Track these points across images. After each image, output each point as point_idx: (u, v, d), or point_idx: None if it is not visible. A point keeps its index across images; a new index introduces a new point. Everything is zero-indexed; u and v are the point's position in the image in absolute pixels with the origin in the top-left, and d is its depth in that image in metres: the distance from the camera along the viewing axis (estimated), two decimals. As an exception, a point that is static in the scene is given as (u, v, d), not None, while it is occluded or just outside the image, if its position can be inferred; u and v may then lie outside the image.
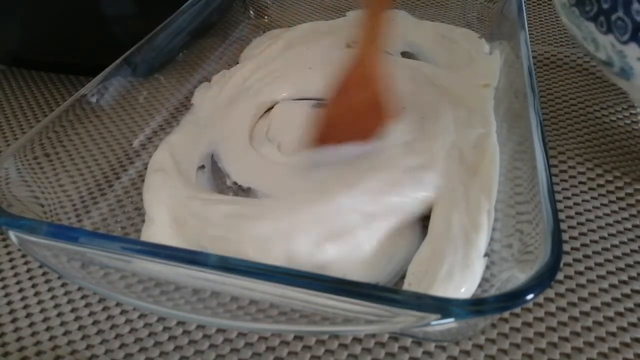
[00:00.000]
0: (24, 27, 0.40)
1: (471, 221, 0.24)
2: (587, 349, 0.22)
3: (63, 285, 0.26)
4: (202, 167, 0.31)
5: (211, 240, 0.25)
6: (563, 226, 0.27)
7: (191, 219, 0.27)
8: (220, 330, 0.24)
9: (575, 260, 0.26)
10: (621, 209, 0.28)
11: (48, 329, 0.24)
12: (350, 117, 0.29)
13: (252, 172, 0.30)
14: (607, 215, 0.28)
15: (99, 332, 0.24)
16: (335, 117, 0.29)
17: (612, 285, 0.24)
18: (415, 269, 0.23)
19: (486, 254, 0.23)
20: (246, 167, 0.31)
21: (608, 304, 0.24)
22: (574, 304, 0.24)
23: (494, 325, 0.23)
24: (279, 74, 0.37)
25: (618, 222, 0.27)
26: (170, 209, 0.27)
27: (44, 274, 0.27)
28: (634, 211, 0.28)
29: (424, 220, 0.26)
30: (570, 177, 0.30)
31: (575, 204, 0.29)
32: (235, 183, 0.30)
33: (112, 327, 0.24)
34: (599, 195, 0.29)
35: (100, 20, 0.37)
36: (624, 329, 0.23)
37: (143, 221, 0.28)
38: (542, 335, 0.23)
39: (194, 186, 0.29)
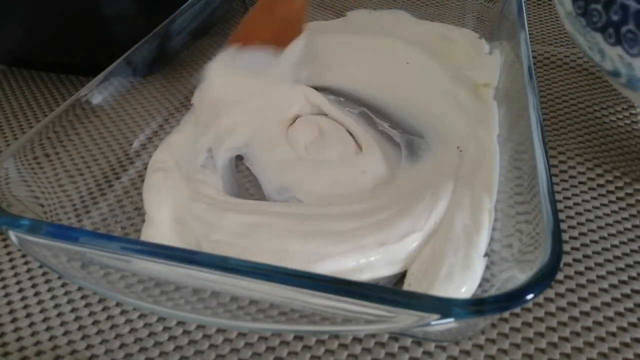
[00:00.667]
0: (24, 27, 0.40)
1: (473, 221, 0.24)
2: (587, 349, 0.22)
3: (63, 285, 0.26)
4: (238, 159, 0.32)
5: (214, 245, 0.25)
6: (563, 226, 0.27)
7: (193, 221, 0.26)
8: (220, 330, 0.24)
9: (575, 260, 0.26)
10: (621, 209, 0.28)
11: (48, 329, 0.24)
12: (269, 25, 0.36)
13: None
14: (607, 215, 0.28)
15: (99, 332, 0.24)
16: (257, 22, 0.37)
17: (612, 285, 0.24)
18: (415, 269, 0.23)
19: (486, 254, 0.23)
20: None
21: (608, 304, 0.24)
22: (574, 304, 0.24)
23: (494, 325, 0.23)
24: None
25: (618, 222, 0.27)
26: (171, 210, 0.27)
27: (44, 274, 0.27)
28: (634, 211, 0.28)
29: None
30: (570, 177, 0.30)
31: (575, 204, 0.29)
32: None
33: (112, 327, 0.24)
34: (599, 195, 0.29)
35: (100, 20, 0.37)
36: (624, 329, 0.23)
37: (143, 221, 0.28)
38: (542, 335, 0.23)
39: (197, 187, 0.29)
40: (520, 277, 0.18)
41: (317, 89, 0.35)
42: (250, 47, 0.35)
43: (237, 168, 0.31)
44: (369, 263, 0.23)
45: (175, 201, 0.28)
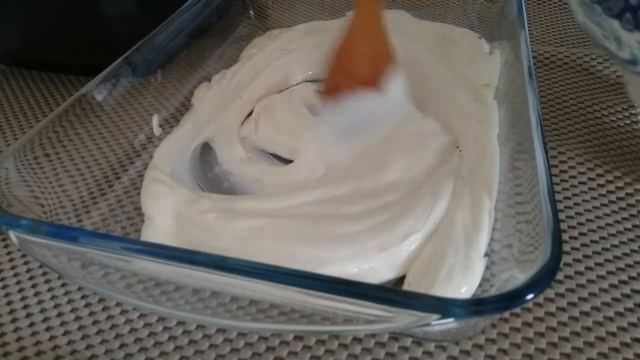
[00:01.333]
0: (24, 27, 0.40)
1: (473, 221, 0.24)
2: (587, 349, 0.22)
3: (63, 285, 0.26)
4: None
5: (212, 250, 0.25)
6: (563, 226, 0.27)
7: (191, 226, 0.27)
8: (220, 330, 0.24)
9: (575, 260, 0.26)
10: (621, 209, 0.28)
11: (48, 329, 0.24)
12: (357, 67, 0.32)
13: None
14: (607, 215, 0.28)
15: (99, 332, 0.24)
16: (344, 68, 0.32)
17: (612, 286, 0.24)
18: (415, 269, 0.23)
19: (486, 254, 0.23)
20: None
21: (608, 304, 0.24)
22: (574, 304, 0.24)
23: (494, 325, 0.23)
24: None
25: (618, 222, 0.27)
26: (171, 210, 0.27)
27: (44, 274, 0.27)
28: (634, 211, 0.28)
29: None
30: (570, 177, 0.30)
31: (575, 204, 0.29)
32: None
33: (112, 327, 0.24)
34: (599, 195, 0.29)
35: (100, 20, 0.37)
36: (624, 329, 0.23)
37: (143, 221, 0.28)
38: (542, 335, 0.23)
39: (196, 191, 0.29)
40: (520, 277, 0.18)
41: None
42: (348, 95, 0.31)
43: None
44: (372, 268, 0.23)
45: (175, 202, 0.28)
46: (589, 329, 0.23)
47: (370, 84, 0.31)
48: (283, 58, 0.39)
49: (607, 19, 0.23)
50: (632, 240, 0.26)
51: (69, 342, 0.24)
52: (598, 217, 0.28)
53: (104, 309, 0.25)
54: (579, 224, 0.27)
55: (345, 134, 0.31)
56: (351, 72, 0.32)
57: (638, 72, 0.24)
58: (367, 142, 0.30)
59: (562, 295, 0.24)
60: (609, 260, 0.26)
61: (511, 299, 0.17)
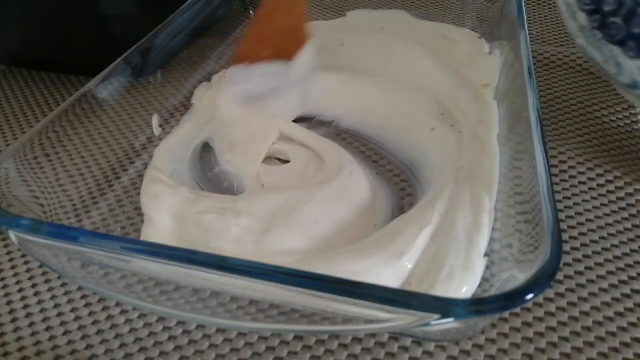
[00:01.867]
0: (24, 27, 0.40)
1: (474, 221, 0.24)
2: (587, 349, 0.22)
3: (63, 285, 0.26)
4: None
5: (212, 250, 0.25)
6: (563, 226, 0.27)
7: (191, 226, 0.27)
8: (220, 330, 0.24)
9: (575, 260, 0.26)
10: (621, 209, 0.28)
11: (48, 329, 0.24)
12: (273, 37, 0.34)
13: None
14: (607, 215, 0.28)
15: (99, 332, 0.24)
16: (260, 36, 0.34)
17: (612, 286, 0.24)
18: (416, 269, 0.23)
19: (486, 254, 0.23)
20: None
21: (608, 304, 0.24)
22: (574, 304, 0.24)
23: (494, 325, 0.23)
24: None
25: (618, 222, 0.27)
26: (170, 210, 0.27)
27: (44, 274, 0.27)
28: (634, 211, 0.28)
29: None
30: (570, 177, 0.30)
31: (575, 204, 0.29)
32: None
33: (112, 327, 0.24)
34: (599, 195, 0.29)
35: (100, 20, 0.37)
36: (624, 329, 0.23)
37: (143, 221, 0.28)
38: (542, 335, 0.23)
39: (196, 191, 0.29)
40: (520, 277, 0.18)
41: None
42: (257, 64, 0.33)
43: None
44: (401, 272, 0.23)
45: (175, 202, 0.28)
46: (589, 329, 0.23)
47: (281, 56, 0.33)
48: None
49: (607, 45, 0.23)
50: (632, 240, 0.26)
51: (69, 342, 0.24)
52: (598, 217, 0.28)
53: (104, 309, 0.25)
54: (579, 224, 0.27)
55: (250, 100, 0.33)
56: (263, 40, 0.34)
57: (638, 95, 0.24)
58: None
59: (562, 295, 0.24)
60: (609, 261, 0.26)
61: (511, 299, 0.17)
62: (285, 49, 0.33)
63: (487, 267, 0.23)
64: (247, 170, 0.31)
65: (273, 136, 0.32)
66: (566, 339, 0.23)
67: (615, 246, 0.26)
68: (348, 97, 0.35)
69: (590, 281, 0.25)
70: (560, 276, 0.25)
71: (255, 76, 0.33)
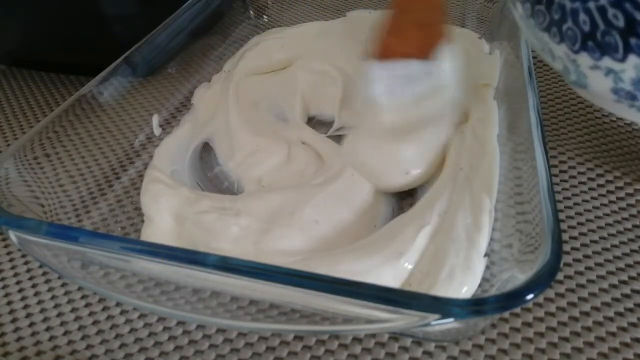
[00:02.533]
0: (24, 27, 0.40)
1: (474, 221, 0.24)
2: (587, 349, 0.22)
3: (63, 285, 0.26)
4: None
5: (212, 250, 0.25)
6: (563, 226, 0.27)
7: (191, 226, 0.27)
8: (220, 330, 0.24)
9: (575, 260, 0.26)
10: (621, 209, 0.28)
11: (48, 329, 0.24)
12: (413, 32, 0.30)
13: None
14: (607, 215, 0.28)
15: (99, 332, 0.24)
16: (401, 30, 0.30)
17: (612, 286, 0.24)
18: (416, 269, 0.23)
19: (486, 254, 0.23)
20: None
21: (608, 304, 0.24)
22: (574, 304, 0.24)
23: (494, 325, 0.23)
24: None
25: (618, 222, 0.27)
26: (170, 210, 0.27)
27: (44, 274, 0.27)
28: (634, 211, 0.28)
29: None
30: (570, 177, 0.30)
31: (575, 204, 0.29)
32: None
33: (112, 327, 0.24)
34: (599, 195, 0.29)
35: (100, 20, 0.37)
36: (624, 329, 0.23)
37: (143, 221, 0.28)
38: (542, 335, 0.23)
39: (196, 191, 0.29)
40: (520, 277, 0.18)
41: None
42: (396, 61, 0.30)
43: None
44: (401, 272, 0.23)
45: (174, 202, 0.28)
46: (589, 329, 0.23)
47: (421, 54, 0.30)
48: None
49: (539, 33, 0.24)
50: (632, 240, 0.26)
51: (69, 342, 0.24)
52: (598, 217, 0.28)
53: (104, 309, 0.25)
54: (579, 224, 0.27)
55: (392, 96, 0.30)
56: (405, 35, 0.30)
57: (572, 82, 0.24)
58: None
59: (562, 295, 0.24)
60: (609, 261, 0.26)
61: (511, 299, 0.17)
62: (422, 45, 0.30)
63: (487, 267, 0.23)
64: (248, 173, 0.31)
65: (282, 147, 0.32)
66: (566, 339, 0.23)
67: (615, 246, 0.26)
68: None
69: (590, 281, 0.25)
70: (560, 276, 0.25)
71: (399, 77, 0.30)
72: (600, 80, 0.22)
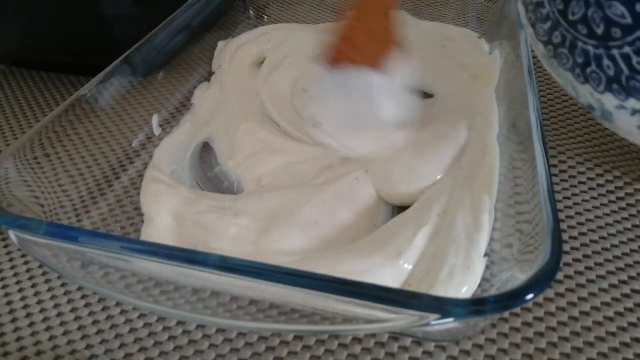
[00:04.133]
0: (24, 27, 0.40)
1: (474, 221, 0.24)
2: (587, 349, 0.22)
3: (63, 285, 0.26)
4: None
5: (212, 250, 0.25)
6: (563, 226, 0.27)
7: (191, 226, 0.27)
8: (220, 330, 0.24)
9: (575, 260, 0.26)
10: (621, 209, 0.28)
11: (48, 329, 0.24)
12: (364, 41, 0.30)
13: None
14: (607, 215, 0.28)
15: (99, 332, 0.24)
16: (354, 38, 0.30)
17: (612, 286, 0.24)
18: (416, 269, 0.23)
19: (486, 254, 0.23)
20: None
21: (608, 304, 0.24)
22: (573, 304, 0.24)
23: (494, 325, 0.23)
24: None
25: (618, 222, 0.27)
26: (170, 210, 0.27)
27: (44, 274, 0.27)
28: (634, 211, 0.28)
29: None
30: (570, 177, 0.30)
31: (575, 204, 0.29)
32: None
33: (112, 327, 0.24)
34: (599, 195, 0.29)
35: (100, 20, 0.37)
36: (624, 329, 0.23)
37: (143, 221, 0.28)
38: (542, 335, 0.23)
39: (196, 191, 0.29)
40: (520, 277, 0.18)
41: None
42: (344, 68, 0.30)
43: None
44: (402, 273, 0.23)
45: (174, 202, 0.28)
46: (589, 329, 0.23)
47: (374, 63, 0.30)
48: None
49: (563, 72, 0.24)
50: (632, 240, 0.26)
51: (69, 342, 0.24)
52: (598, 217, 0.28)
53: (104, 309, 0.25)
54: (579, 224, 0.27)
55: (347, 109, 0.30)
56: (357, 44, 0.30)
57: (598, 117, 0.25)
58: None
59: (562, 295, 0.24)
60: (609, 261, 0.26)
61: (511, 299, 0.17)
62: (373, 54, 0.30)
63: (487, 267, 0.23)
64: (248, 174, 0.30)
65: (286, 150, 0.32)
66: (566, 339, 0.23)
67: (615, 246, 0.26)
68: None
69: (590, 281, 0.25)
70: (560, 276, 0.25)
71: (349, 85, 0.30)
72: (626, 119, 0.22)
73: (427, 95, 0.35)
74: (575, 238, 0.27)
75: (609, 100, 0.22)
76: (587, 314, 0.23)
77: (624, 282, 0.25)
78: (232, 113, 0.34)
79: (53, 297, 0.26)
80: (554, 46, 0.23)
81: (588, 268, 0.25)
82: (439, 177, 0.28)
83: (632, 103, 0.21)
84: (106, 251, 0.20)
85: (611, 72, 0.21)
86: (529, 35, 0.26)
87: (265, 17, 0.47)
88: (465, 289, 0.22)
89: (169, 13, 0.37)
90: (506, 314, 0.23)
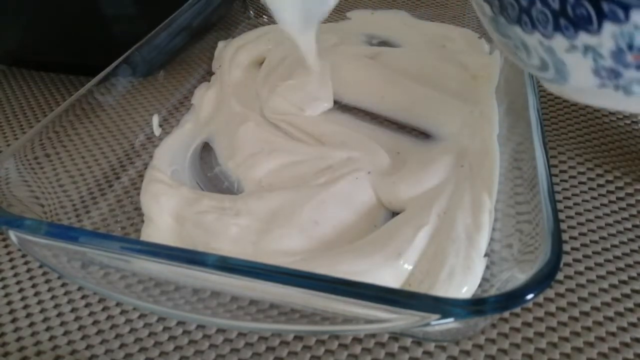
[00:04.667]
0: (24, 27, 0.40)
1: (474, 221, 0.24)
2: (587, 349, 0.22)
3: (63, 285, 0.26)
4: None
5: (212, 250, 0.25)
6: (563, 226, 0.27)
7: (191, 226, 0.26)
8: (220, 330, 0.24)
9: (575, 260, 0.26)
10: (621, 209, 0.28)
11: (48, 329, 0.24)
12: None
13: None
14: (607, 215, 0.28)
15: (99, 332, 0.24)
16: None
17: (612, 285, 0.24)
18: (416, 270, 0.23)
19: (486, 254, 0.23)
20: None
21: (608, 304, 0.24)
22: (573, 304, 0.24)
23: (494, 325, 0.23)
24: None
25: (618, 222, 0.27)
26: (170, 210, 0.27)
27: (44, 274, 0.27)
28: (634, 211, 0.28)
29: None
30: (570, 177, 0.30)
31: (575, 204, 0.29)
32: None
33: (112, 327, 0.24)
34: (599, 195, 0.29)
35: (100, 20, 0.37)
36: (624, 329, 0.23)
37: (143, 221, 0.28)
38: (542, 335, 0.23)
39: (196, 191, 0.29)
40: (520, 277, 0.18)
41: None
42: None
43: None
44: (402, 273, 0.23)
45: (175, 202, 0.28)
46: (589, 329, 0.23)
47: None
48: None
49: (511, 27, 0.23)
50: (632, 240, 0.26)
51: (69, 342, 0.24)
52: (598, 217, 0.28)
53: (104, 309, 0.25)
54: (579, 224, 0.27)
55: None
56: None
57: (551, 80, 0.24)
58: None
59: (562, 295, 0.24)
60: (609, 260, 0.26)
61: (511, 299, 0.17)
62: None
63: (487, 267, 0.23)
64: (248, 174, 0.30)
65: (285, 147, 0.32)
66: (566, 339, 0.23)
67: (615, 246, 0.26)
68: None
69: (590, 281, 0.25)
70: (560, 276, 0.25)
71: None
72: (579, 64, 0.21)
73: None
74: (575, 238, 0.27)
75: (559, 44, 0.21)
76: (587, 314, 0.23)
77: (624, 282, 0.25)
78: (232, 113, 0.34)
79: (53, 297, 0.26)
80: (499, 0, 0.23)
81: (588, 268, 0.25)
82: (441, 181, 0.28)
83: (582, 38, 0.20)
84: (106, 251, 0.20)
85: (556, 5, 0.21)
86: (475, 5, 0.25)
87: (265, 17, 0.47)
88: (465, 289, 0.22)
89: (169, 13, 0.37)
90: (506, 314, 0.23)
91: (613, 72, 0.20)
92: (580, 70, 0.21)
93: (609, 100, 0.22)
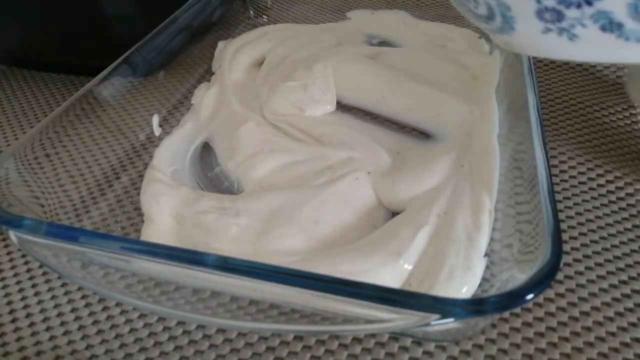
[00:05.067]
0: (24, 27, 0.40)
1: (474, 221, 0.24)
2: (587, 349, 0.22)
3: (63, 285, 0.26)
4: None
5: (212, 250, 0.25)
6: (563, 226, 0.27)
7: (191, 226, 0.26)
8: (220, 330, 0.24)
9: (575, 260, 0.26)
10: (621, 209, 0.28)
11: (48, 329, 0.24)
12: None
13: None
14: (607, 215, 0.28)
15: (99, 332, 0.24)
16: None
17: (612, 286, 0.24)
18: (416, 269, 0.23)
19: (486, 254, 0.23)
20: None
21: (608, 304, 0.24)
22: (573, 304, 0.24)
23: (494, 325, 0.23)
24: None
25: (618, 222, 0.27)
26: (170, 210, 0.27)
27: (44, 274, 0.27)
28: (634, 211, 0.28)
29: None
30: (570, 177, 0.30)
31: (575, 204, 0.29)
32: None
33: (112, 327, 0.24)
34: (599, 195, 0.29)
35: (100, 20, 0.37)
36: (624, 329, 0.23)
37: (143, 221, 0.28)
38: (542, 335, 0.23)
39: (196, 191, 0.29)
40: (520, 277, 0.18)
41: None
42: None
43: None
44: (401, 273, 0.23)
45: (175, 202, 0.28)
46: (589, 329, 0.23)
47: None
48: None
49: None
50: (632, 240, 0.26)
51: (69, 342, 0.24)
52: (598, 217, 0.28)
53: (104, 309, 0.25)
54: (579, 224, 0.27)
55: None
56: None
57: (498, 29, 0.23)
58: None
59: (562, 295, 0.24)
60: (609, 261, 0.26)
61: (511, 299, 0.17)
62: None
63: (487, 267, 0.23)
64: (248, 174, 0.30)
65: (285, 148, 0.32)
66: (566, 339, 0.23)
67: (615, 246, 0.26)
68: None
69: (590, 281, 0.25)
70: (560, 276, 0.25)
71: None
72: (523, 7, 0.21)
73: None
74: (575, 238, 0.27)
75: None
76: (587, 314, 0.23)
77: (624, 282, 0.25)
78: (232, 113, 0.34)
79: (53, 297, 0.26)
80: None
81: (588, 268, 0.25)
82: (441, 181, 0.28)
83: None
84: (106, 251, 0.20)
85: None
86: None
87: (265, 17, 0.47)
88: (465, 289, 0.22)
89: (169, 13, 0.37)
90: (506, 314, 0.23)
91: (555, 11, 0.20)
92: (524, 14, 0.21)
93: (555, 48, 0.21)
